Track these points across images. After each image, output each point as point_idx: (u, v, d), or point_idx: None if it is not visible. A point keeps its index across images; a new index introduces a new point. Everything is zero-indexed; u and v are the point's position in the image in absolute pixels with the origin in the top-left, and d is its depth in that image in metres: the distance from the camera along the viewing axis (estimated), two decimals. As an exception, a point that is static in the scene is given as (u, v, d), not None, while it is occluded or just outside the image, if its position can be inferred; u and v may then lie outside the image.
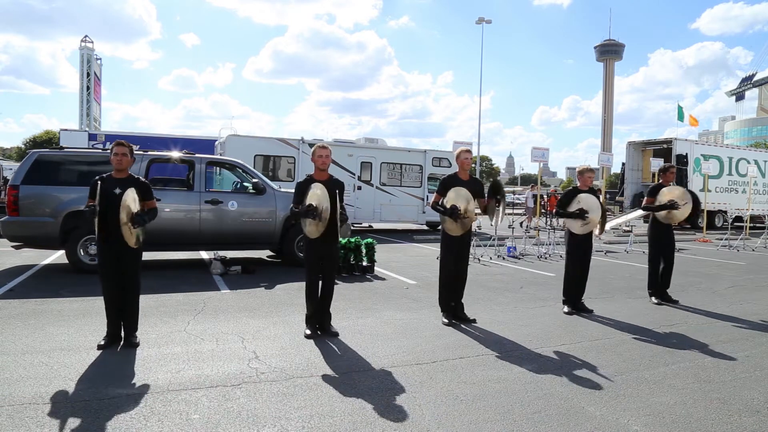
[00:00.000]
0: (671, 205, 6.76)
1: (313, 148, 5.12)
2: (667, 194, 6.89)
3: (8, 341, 4.60)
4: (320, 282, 5.10)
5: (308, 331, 5.02)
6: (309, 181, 5.01)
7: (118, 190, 4.46)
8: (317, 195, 4.81)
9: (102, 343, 4.48)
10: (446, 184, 5.59)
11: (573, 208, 6.29)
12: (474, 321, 5.67)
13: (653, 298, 7.04)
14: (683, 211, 6.80)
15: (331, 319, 5.19)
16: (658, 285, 7.07)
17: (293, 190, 5.12)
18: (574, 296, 6.40)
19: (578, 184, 6.58)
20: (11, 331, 4.89)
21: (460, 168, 5.69)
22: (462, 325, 5.55)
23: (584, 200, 6.28)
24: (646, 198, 7.15)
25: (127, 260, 4.55)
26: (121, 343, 4.57)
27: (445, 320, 5.61)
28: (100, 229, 4.42)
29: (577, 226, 6.29)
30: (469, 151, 5.73)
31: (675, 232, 7.29)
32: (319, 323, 5.12)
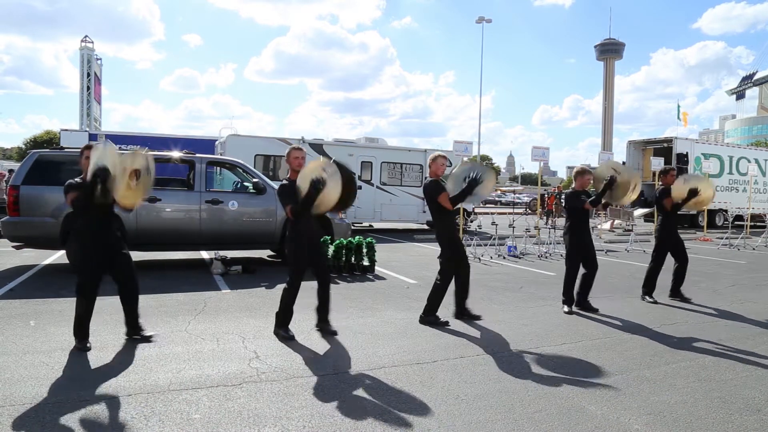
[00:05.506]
0: (693, 193, 6.75)
1: (288, 150, 5.07)
2: (679, 189, 6.91)
3: (9, 341, 4.60)
4: (318, 280, 5.12)
5: (288, 334, 4.96)
6: (293, 184, 4.85)
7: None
8: (308, 171, 4.75)
9: (88, 345, 4.44)
10: (439, 187, 5.50)
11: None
12: (479, 318, 5.73)
13: (647, 297, 7.04)
14: (707, 194, 6.85)
15: (328, 316, 5.19)
16: (674, 283, 7.14)
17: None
18: (578, 295, 6.43)
19: (575, 186, 6.55)
20: (12, 331, 4.89)
21: (433, 174, 5.59)
22: (462, 325, 5.54)
23: (602, 172, 6.36)
24: (664, 201, 6.91)
25: (120, 259, 4.64)
26: (122, 340, 4.60)
27: (440, 320, 5.58)
28: (92, 232, 4.50)
29: (619, 194, 6.25)
30: (444, 157, 5.65)
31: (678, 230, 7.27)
32: (317, 321, 5.16)
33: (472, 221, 18.90)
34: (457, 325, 5.53)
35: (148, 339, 4.69)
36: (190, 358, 4.29)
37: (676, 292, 7.12)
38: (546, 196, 27.15)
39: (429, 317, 5.57)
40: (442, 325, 5.48)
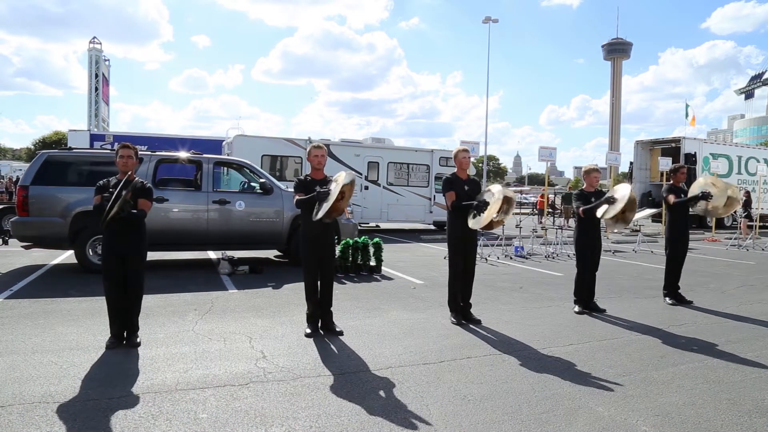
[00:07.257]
0: (703, 196, 6.46)
1: (308, 148, 5.20)
2: (696, 185, 6.67)
3: (18, 340, 4.64)
4: (319, 281, 5.14)
5: (309, 330, 5.05)
6: (311, 182, 5.04)
7: (123, 192, 4.51)
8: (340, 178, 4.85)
9: (108, 344, 4.49)
10: (451, 182, 5.63)
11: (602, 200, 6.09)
12: (479, 322, 5.67)
13: (667, 299, 6.95)
14: (720, 202, 6.40)
15: (333, 317, 5.21)
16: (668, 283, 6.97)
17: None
18: (585, 296, 6.36)
19: (584, 185, 6.50)
20: (21, 331, 4.93)
21: (459, 168, 5.75)
22: (470, 325, 5.54)
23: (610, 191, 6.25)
24: (667, 196, 6.74)
25: (132, 261, 4.58)
26: (124, 343, 4.59)
27: (454, 320, 5.62)
28: (105, 230, 4.49)
29: (611, 214, 6.02)
30: (466, 151, 5.76)
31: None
32: (321, 322, 5.15)
33: None
34: (464, 325, 5.53)
35: (136, 344, 4.57)
36: (197, 357, 4.31)
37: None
38: (550, 196, 27.03)
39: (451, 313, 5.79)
40: (461, 324, 5.56)
